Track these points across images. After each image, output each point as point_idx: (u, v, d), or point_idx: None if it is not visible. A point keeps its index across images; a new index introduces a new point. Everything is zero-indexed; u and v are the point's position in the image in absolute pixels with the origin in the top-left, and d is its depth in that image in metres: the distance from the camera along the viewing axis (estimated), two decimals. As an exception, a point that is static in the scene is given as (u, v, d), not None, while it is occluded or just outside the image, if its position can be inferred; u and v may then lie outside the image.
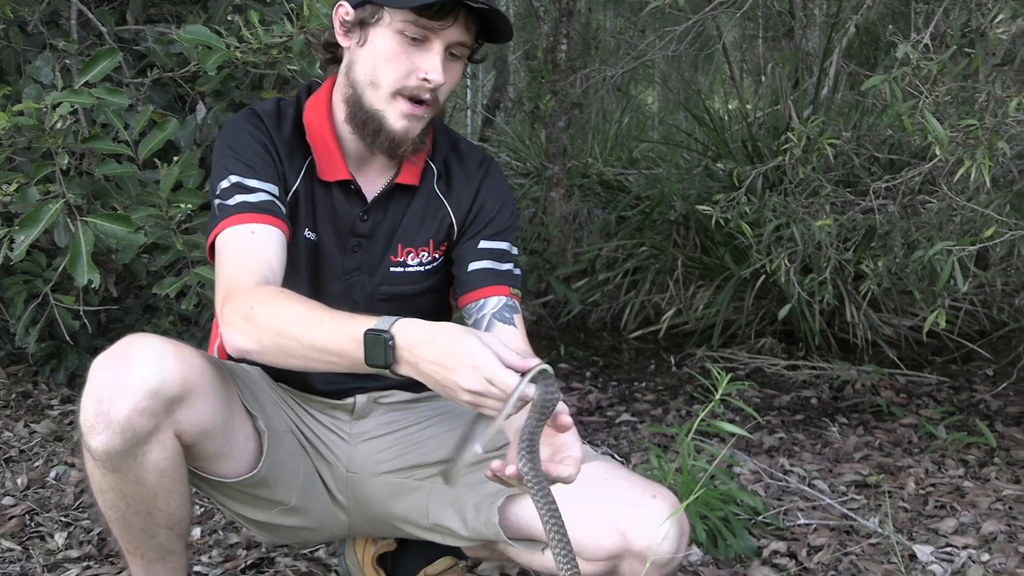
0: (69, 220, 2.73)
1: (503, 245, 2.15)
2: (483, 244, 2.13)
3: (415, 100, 1.96)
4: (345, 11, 1.98)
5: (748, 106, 6.45)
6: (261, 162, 2.01)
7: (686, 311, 5.15)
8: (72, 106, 2.71)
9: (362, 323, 1.68)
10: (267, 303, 1.80)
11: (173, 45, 3.11)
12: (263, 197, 1.97)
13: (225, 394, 1.95)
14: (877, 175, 3.43)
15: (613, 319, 5.40)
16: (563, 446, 1.68)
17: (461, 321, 2.05)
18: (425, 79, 1.93)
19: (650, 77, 9.09)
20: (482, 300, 2.10)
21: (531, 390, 1.57)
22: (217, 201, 1.99)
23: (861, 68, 4.87)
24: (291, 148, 2.06)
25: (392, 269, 2.13)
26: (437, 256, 2.16)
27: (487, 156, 2.21)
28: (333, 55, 2.09)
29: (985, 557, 2.71)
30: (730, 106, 6.81)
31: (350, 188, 2.08)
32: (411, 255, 2.13)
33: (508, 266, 2.15)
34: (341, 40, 2.02)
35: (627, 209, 5.94)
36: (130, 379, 1.79)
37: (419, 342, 1.64)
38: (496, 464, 1.62)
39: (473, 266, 2.12)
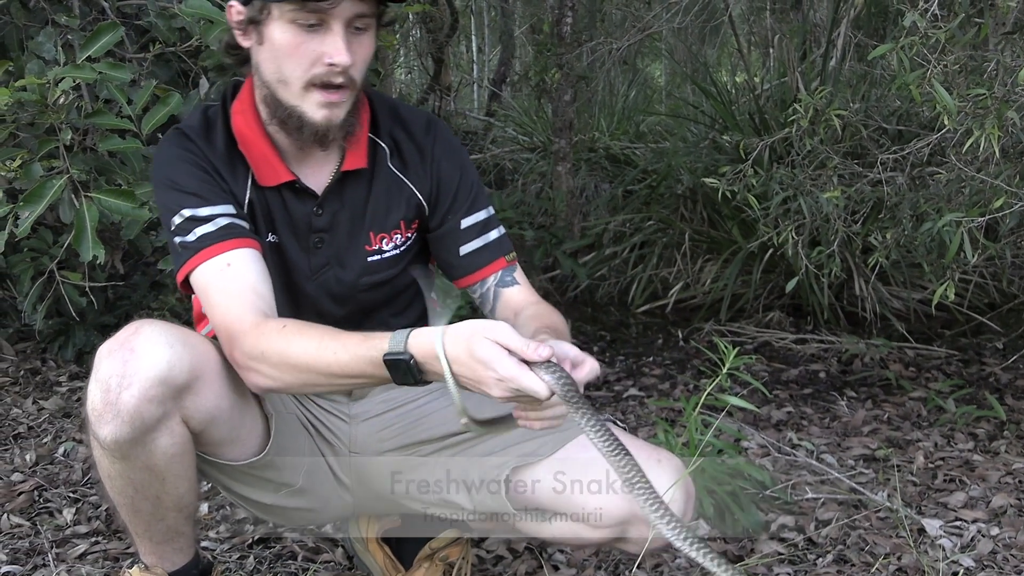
0: (73, 196, 2.72)
1: (482, 215, 2.12)
2: (465, 223, 2.10)
3: (329, 86, 1.88)
4: (237, 11, 1.91)
5: (756, 78, 6.40)
6: (206, 187, 1.95)
7: (694, 285, 5.13)
8: (75, 81, 2.69)
9: (375, 346, 1.70)
10: (274, 343, 1.79)
11: (175, 19, 3.08)
12: (222, 222, 1.92)
13: (232, 379, 1.93)
14: (885, 146, 3.39)
15: (620, 294, 5.38)
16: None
17: (463, 293, 2.05)
18: (332, 64, 1.85)
19: (657, 50, 9.03)
20: (482, 279, 2.10)
21: (549, 380, 1.59)
22: (176, 239, 1.93)
23: (869, 39, 4.83)
24: (230, 161, 2.00)
25: (370, 259, 2.09)
26: (410, 235, 2.12)
27: (431, 118, 2.14)
28: (241, 56, 2.00)
29: (995, 531, 2.70)
30: (737, 79, 6.77)
31: (296, 187, 2.02)
32: (385, 240, 2.09)
33: (495, 234, 2.12)
34: (241, 41, 1.95)
35: (634, 183, 5.91)
36: (138, 367, 1.78)
37: (439, 357, 1.65)
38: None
39: (464, 249, 2.10)
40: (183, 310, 3.75)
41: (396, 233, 2.10)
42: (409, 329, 1.69)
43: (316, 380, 1.79)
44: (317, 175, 2.04)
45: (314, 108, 1.90)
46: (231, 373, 1.93)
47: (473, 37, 10.89)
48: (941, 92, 2.58)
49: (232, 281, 1.89)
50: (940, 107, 2.59)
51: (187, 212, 1.92)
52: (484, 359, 1.59)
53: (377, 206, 2.08)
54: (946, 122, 2.60)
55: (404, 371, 1.68)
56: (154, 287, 4.06)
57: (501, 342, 1.59)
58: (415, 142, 2.10)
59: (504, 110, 8.49)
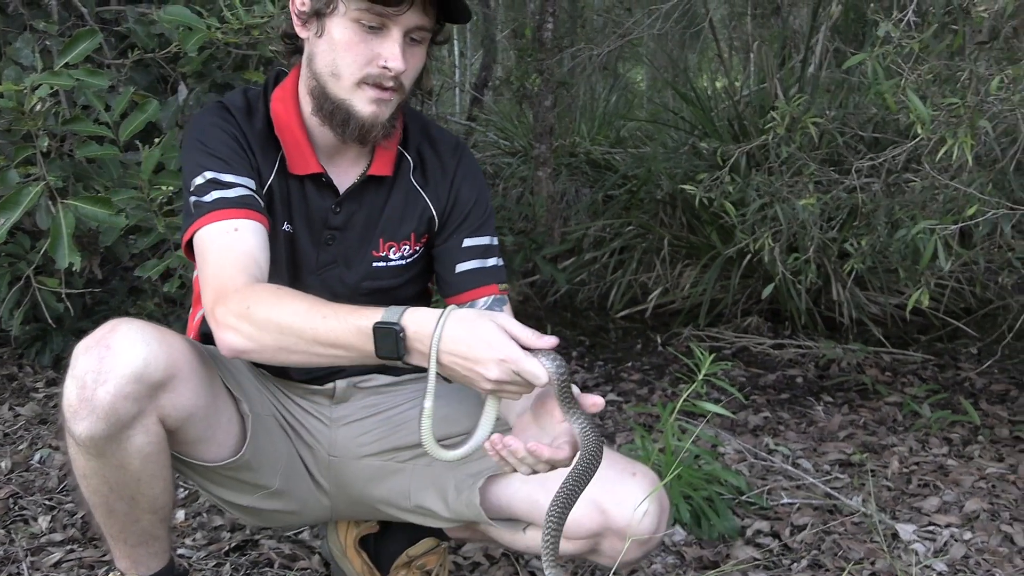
0: (50, 203, 2.72)
1: (485, 240, 2.14)
2: (467, 243, 2.13)
3: (380, 87, 1.93)
4: (301, 1, 1.95)
5: (736, 84, 6.43)
6: (235, 156, 1.98)
7: (673, 290, 5.15)
8: (52, 88, 2.69)
9: (368, 316, 1.68)
10: (264, 301, 1.77)
11: (154, 26, 3.09)
12: (241, 192, 1.94)
13: (208, 378, 1.94)
14: (861, 154, 3.42)
15: (600, 298, 5.40)
16: (561, 432, 1.69)
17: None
18: (386, 67, 1.90)
19: (638, 56, 9.05)
20: (471, 301, 2.11)
21: (549, 367, 1.60)
22: (192, 198, 1.94)
23: (848, 46, 4.86)
24: (263, 142, 2.03)
25: (375, 264, 2.11)
26: (418, 248, 2.15)
27: (459, 142, 2.19)
28: (294, 46, 2.06)
29: (967, 535, 2.72)
30: (718, 84, 6.79)
31: (321, 181, 2.06)
32: (393, 249, 2.12)
33: (493, 261, 2.14)
34: (299, 31, 1.98)
35: (614, 188, 5.93)
36: (114, 364, 1.78)
37: (433, 334, 1.64)
38: (506, 439, 1.65)
39: (461, 267, 2.12)
40: (161, 316, 3.75)
41: (405, 244, 2.13)
42: (408, 306, 1.69)
43: (294, 345, 1.74)
44: (343, 175, 2.08)
45: (364, 103, 1.94)
46: (207, 373, 1.94)
47: (455, 41, 10.89)
48: (915, 101, 2.61)
49: (233, 244, 1.89)
50: (914, 116, 2.62)
51: (210, 174, 1.94)
52: (488, 338, 1.60)
53: (392, 214, 2.11)
54: (920, 131, 2.62)
55: (390, 343, 1.65)
56: (132, 292, 4.05)
57: (507, 328, 1.62)
58: (440, 160, 2.15)
59: (485, 115, 8.49)
